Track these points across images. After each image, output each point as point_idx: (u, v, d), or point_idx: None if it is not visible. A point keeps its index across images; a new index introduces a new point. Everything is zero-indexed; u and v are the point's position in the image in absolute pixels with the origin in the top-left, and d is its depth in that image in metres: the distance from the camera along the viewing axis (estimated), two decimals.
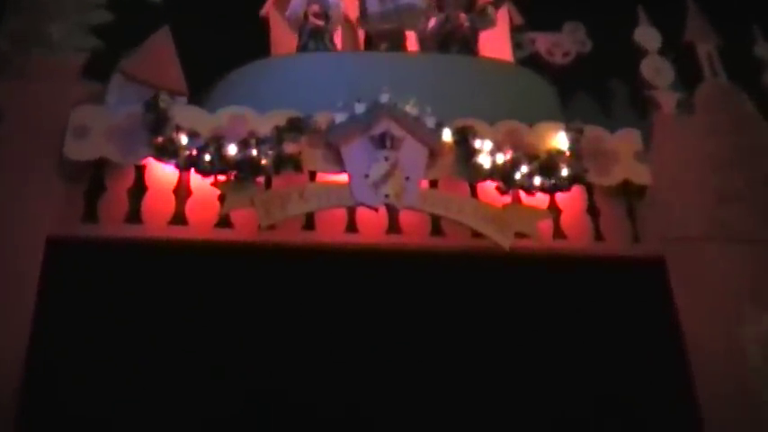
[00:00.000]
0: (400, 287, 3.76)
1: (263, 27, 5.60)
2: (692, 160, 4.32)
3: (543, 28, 5.84)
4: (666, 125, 4.44)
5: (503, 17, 5.63)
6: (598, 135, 4.14)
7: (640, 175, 4.09)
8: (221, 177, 3.71)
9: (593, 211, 4.07)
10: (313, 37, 4.75)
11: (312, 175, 3.88)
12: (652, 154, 4.22)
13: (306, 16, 4.83)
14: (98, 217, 3.72)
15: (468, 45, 4.85)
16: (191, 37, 5.22)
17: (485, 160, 3.82)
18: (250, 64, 4.53)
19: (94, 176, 3.81)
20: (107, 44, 4.41)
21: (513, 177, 3.83)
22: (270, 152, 3.65)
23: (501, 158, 3.83)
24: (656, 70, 4.70)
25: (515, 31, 5.77)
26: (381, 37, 4.99)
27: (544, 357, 3.71)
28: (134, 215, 3.74)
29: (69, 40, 4.26)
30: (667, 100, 4.57)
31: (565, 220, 4.02)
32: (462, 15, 4.92)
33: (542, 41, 5.82)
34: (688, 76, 4.79)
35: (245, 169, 3.64)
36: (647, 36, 4.85)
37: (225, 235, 3.74)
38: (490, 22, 5.03)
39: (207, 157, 3.63)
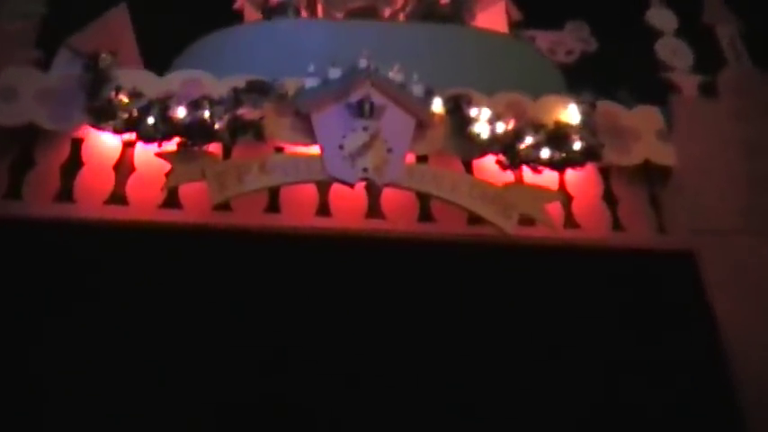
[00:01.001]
0: (381, 283, 3.20)
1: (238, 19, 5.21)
2: (720, 146, 3.88)
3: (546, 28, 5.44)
4: (688, 109, 3.94)
5: (500, 12, 5.21)
6: (614, 111, 3.68)
7: (663, 155, 3.60)
8: (171, 147, 3.15)
9: (610, 197, 3.58)
10: (274, 13, 4.44)
11: (279, 150, 3.33)
12: (674, 138, 3.76)
13: None
14: (23, 193, 3.24)
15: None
16: (160, 29, 4.81)
17: (482, 129, 3.26)
18: (214, 33, 4.02)
19: (23, 148, 3.34)
20: (62, 16, 3.92)
21: (516, 149, 3.26)
22: (225, 116, 3.08)
23: (501, 127, 3.27)
24: (673, 51, 4.25)
25: (514, 27, 5.35)
26: (353, 17, 4.62)
27: (552, 363, 3.13)
28: (66, 193, 3.24)
29: (11, 5, 3.76)
30: (687, 83, 4.11)
31: (578, 206, 3.52)
32: None
33: (543, 39, 5.39)
34: (707, 60, 4.31)
35: (195, 134, 3.11)
36: (660, 17, 4.40)
37: (171, 216, 3.23)
38: None
39: (150, 120, 3.07)
